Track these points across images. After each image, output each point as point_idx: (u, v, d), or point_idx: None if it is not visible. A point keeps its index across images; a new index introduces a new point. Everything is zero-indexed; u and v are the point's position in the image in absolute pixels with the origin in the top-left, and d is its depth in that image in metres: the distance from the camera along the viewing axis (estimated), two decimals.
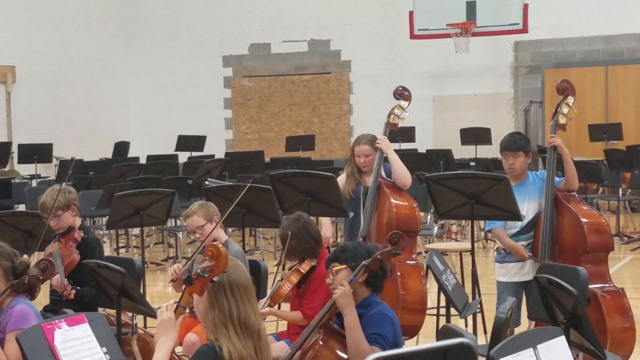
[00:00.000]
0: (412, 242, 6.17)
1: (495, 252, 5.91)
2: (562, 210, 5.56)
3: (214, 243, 3.30)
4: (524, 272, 5.64)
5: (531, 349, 2.86)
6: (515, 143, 5.72)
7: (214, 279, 3.18)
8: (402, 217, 6.03)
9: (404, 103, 6.47)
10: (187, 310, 3.37)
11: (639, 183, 12.60)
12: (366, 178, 6.26)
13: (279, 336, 5.20)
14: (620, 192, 13.08)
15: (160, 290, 9.74)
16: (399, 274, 5.95)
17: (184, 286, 3.26)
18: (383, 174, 6.23)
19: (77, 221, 5.71)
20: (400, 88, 6.58)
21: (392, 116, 6.42)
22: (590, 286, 5.32)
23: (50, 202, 5.54)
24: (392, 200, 6.08)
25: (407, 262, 6.04)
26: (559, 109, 5.80)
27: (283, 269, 5.74)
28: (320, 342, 3.73)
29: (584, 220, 5.46)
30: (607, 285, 5.46)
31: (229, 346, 3.17)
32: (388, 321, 3.83)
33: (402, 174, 6.17)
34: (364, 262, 3.84)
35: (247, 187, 5.75)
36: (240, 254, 5.37)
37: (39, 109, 16.24)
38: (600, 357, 3.91)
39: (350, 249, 3.95)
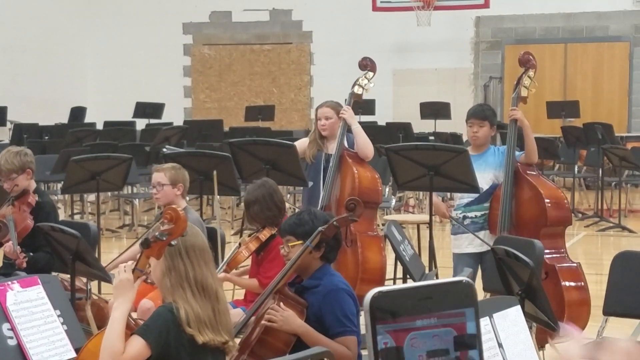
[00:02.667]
0: (372, 213, 6.17)
1: (451, 225, 5.94)
2: (522, 183, 5.59)
3: (173, 206, 3.26)
4: (477, 243, 5.66)
5: (487, 318, 2.88)
6: (482, 112, 5.77)
7: (172, 242, 3.15)
8: (364, 188, 6.02)
9: (369, 74, 6.44)
10: (145, 276, 3.33)
11: (594, 160, 12.74)
12: (328, 144, 6.23)
13: (235, 303, 5.18)
14: (576, 169, 13.23)
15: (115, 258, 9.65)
16: (359, 244, 5.95)
17: (141, 249, 3.22)
18: (346, 144, 6.21)
19: (32, 184, 5.62)
20: (367, 59, 6.55)
21: (356, 87, 6.39)
22: (548, 261, 5.38)
23: (5, 164, 5.44)
24: (355, 170, 6.06)
25: (368, 233, 6.04)
26: (520, 82, 5.81)
27: (241, 236, 5.71)
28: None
29: (544, 193, 5.50)
30: (564, 260, 5.51)
31: (185, 307, 3.16)
32: (347, 297, 3.79)
33: (365, 144, 6.16)
34: (320, 228, 3.80)
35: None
36: (198, 222, 5.33)
37: None
38: (554, 327, 3.95)
39: (307, 222, 3.88)
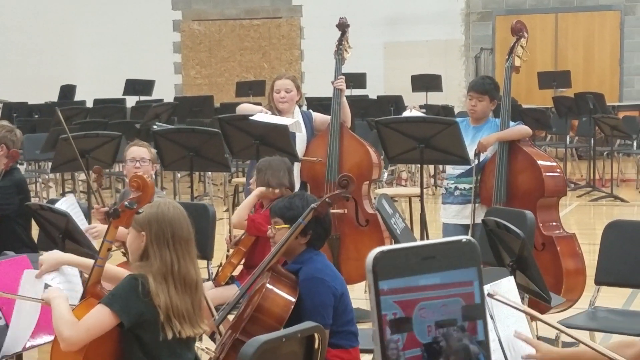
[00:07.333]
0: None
1: (441, 194, 5.97)
2: (516, 154, 5.55)
3: (139, 174, 3.24)
4: (463, 215, 5.67)
5: None
6: (483, 86, 5.70)
7: (140, 210, 3.13)
8: (366, 164, 6.06)
9: (347, 35, 6.43)
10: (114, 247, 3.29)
11: (586, 130, 12.72)
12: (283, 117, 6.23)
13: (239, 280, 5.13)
14: (568, 139, 13.21)
15: None
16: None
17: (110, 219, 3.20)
18: (302, 122, 6.17)
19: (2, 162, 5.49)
20: (342, 18, 6.48)
21: (344, 52, 6.39)
22: (545, 232, 5.38)
23: None
24: (360, 145, 6.07)
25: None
26: (514, 51, 5.76)
27: (232, 212, 5.66)
28: (268, 286, 3.66)
29: (540, 164, 5.48)
30: (559, 230, 5.51)
31: (165, 299, 3.09)
32: (320, 287, 3.72)
33: (349, 116, 6.22)
34: (312, 205, 3.74)
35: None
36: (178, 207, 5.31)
37: None
38: (546, 298, 3.95)
39: (297, 207, 3.81)
